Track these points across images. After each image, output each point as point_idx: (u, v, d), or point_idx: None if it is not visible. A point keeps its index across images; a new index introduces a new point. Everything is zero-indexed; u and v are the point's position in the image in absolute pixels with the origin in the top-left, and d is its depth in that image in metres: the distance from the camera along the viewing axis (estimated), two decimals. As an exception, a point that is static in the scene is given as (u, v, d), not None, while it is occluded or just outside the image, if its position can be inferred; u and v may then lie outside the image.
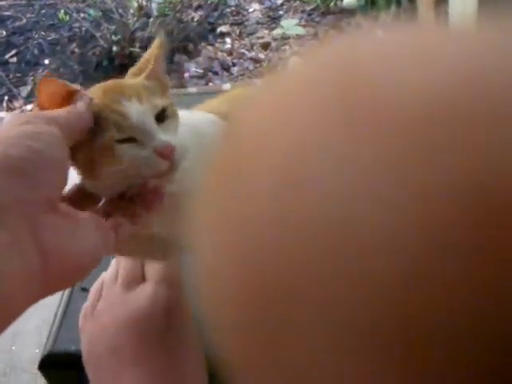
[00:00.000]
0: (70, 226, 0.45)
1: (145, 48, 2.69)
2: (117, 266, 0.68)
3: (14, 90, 2.70)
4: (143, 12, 2.89)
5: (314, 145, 0.20)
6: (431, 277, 0.18)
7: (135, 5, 2.80)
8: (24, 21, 3.13)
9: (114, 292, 0.66)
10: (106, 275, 0.69)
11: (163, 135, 0.52)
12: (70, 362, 0.73)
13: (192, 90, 2.35)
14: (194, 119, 0.62)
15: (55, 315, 0.79)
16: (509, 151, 0.18)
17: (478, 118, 0.19)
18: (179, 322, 0.64)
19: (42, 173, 0.44)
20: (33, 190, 0.43)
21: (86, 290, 0.78)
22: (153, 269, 0.67)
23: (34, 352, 1.07)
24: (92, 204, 0.54)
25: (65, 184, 0.47)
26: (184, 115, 0.56)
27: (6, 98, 2.68)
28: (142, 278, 0.67)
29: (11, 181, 0.42)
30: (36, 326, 1.20)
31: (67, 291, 0.80)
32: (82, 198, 0.54)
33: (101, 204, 0.54)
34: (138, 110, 0.51)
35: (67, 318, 0.77)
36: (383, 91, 0.20)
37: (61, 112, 0.49)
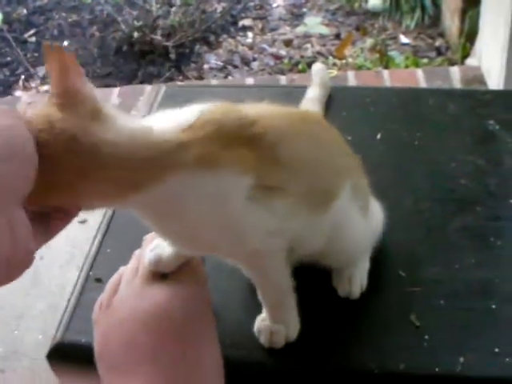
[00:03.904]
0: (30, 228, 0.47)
1: (166, 36, 2.67)
2: (137, 262, 0.67)
3: (31, 70, 2.68)
4: (167, 0, 2.86)
5: None
6: None
7: (160, -8, 2.78)
8: (45, 0, 3.11)
9: (133, 285, 0.65)
10: (125, 269, 0.68)
11: None
12: (79, 354, 0.71)
13: (214, 82, 2.33)
14: None
15: (67, 304, 0.77)
16: None
17: None
18: (197, 318, 0.63)
19: (20, 165, 0.45)
20: (15, 178, 0.45)
21: (100, 280, 0.77)
22: (174, 265, 0.65)
23: (37, 338, 1.06)
24: None
25: (32, 183, 0.47)
26: None
27: (22, 77, 2.66)
28: (162, 275, 0.65)
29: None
30: (41, 311, 1.19)
31: (81, 280, 0.78)
32: None
33: None
34: None
35: (79, 308, 0.76)
36: None
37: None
